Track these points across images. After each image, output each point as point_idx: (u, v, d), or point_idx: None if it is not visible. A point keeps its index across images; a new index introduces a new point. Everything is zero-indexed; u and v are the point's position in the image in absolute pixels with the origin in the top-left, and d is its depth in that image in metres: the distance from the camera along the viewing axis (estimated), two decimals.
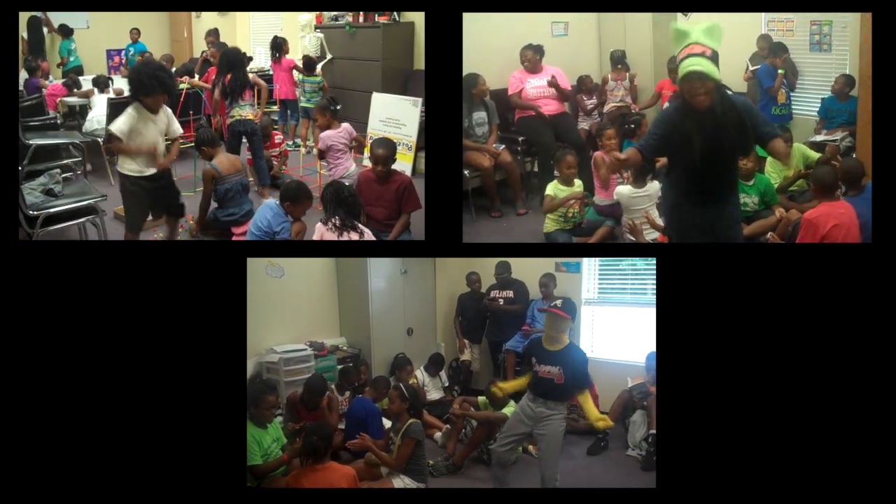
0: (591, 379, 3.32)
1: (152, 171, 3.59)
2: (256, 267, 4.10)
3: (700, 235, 2.87)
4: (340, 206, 3.34)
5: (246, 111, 5.11)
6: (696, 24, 2.64)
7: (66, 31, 7.36)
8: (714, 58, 2.62)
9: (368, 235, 3.38)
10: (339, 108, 4.70)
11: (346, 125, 4.68)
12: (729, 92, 2.70)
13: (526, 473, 3.44)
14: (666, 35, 5.35)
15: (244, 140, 5.19)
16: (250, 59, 7.24)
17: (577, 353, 3.08)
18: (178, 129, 3.76)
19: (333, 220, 3.31)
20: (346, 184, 3.68)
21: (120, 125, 3.45)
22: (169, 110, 3.67)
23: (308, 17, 6.58)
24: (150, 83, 3.42)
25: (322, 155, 4.66)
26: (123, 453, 2.73)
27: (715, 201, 2.83)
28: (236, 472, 2.79)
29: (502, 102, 4.94)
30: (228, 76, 5.06)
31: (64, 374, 2.74)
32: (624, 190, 3.85)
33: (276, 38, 6.44)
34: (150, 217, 3.85)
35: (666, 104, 4.61)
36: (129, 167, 3.57)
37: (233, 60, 5.13)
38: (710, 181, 2.78)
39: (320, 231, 3.33)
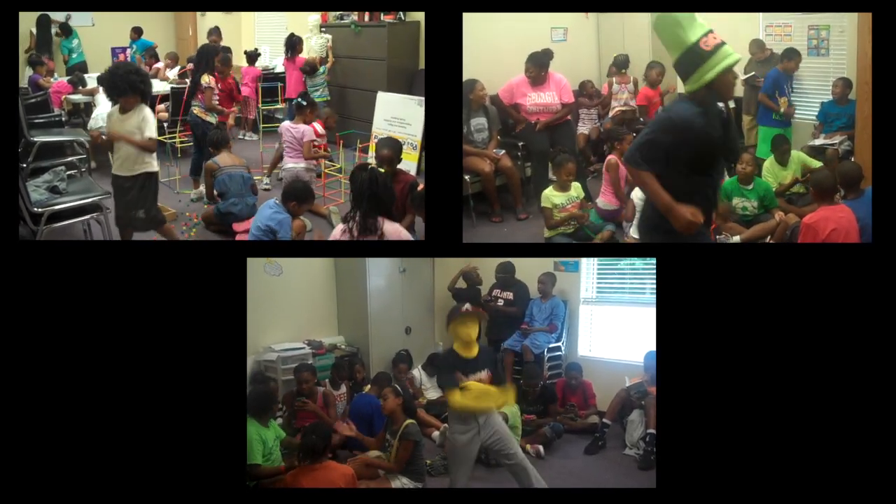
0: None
1: (120, 172, 3.61)
2: (255, 266, 4.12)
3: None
4: (368, 196, 3.00)
5: (198, 110, 5.19)
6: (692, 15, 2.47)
7: (66, 31, 7.41)
8: None
9: (392, 235, 3.04)
10: (303, 103, 5.07)
11: (304, 126, 4.97)
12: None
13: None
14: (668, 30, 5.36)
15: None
16: (259, 54, 7.29)
17: (491, 353, 3.15)
18: (152, 132, 3.56)
19: (355, 219, 2.99)
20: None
21: (99, 118, 3.55)
22: (147, 112, 3.57)
23: (316, 18, 6.58)
24: (122, 85, 3.48)
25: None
26: (124, 452, 2.74)
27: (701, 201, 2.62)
28: (236, 471, 2.80)
29: (503, 107, 4.87)
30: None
31: (65, 372, 2.75)
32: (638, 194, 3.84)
33: (291, 35, 6.42)
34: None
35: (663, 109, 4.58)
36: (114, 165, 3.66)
37: (210, 58, 5.21)
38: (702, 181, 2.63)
39: (338, 233, 3.08)
